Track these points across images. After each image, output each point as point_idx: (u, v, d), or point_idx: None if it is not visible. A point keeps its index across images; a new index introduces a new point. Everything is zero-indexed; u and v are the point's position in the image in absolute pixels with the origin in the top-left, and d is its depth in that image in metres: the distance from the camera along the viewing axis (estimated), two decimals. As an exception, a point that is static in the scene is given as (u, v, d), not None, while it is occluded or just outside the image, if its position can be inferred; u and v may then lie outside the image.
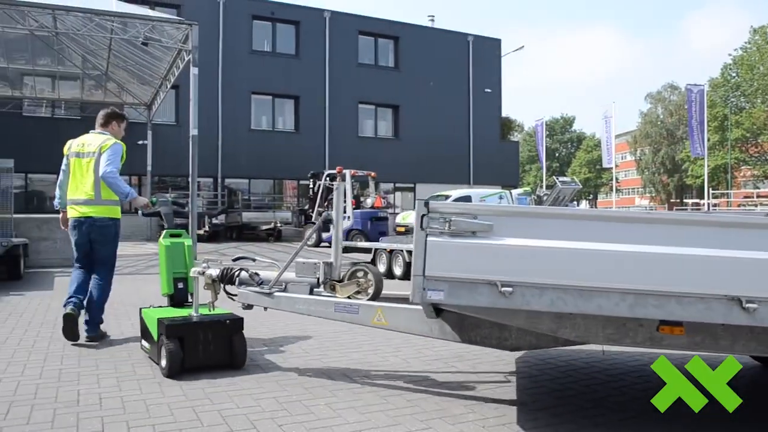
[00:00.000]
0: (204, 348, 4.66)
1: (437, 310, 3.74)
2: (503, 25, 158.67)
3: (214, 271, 4.92)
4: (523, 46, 43.81)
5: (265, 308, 4.79)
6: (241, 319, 4.87)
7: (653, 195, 72.69)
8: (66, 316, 5.43)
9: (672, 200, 67.31)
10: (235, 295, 4.88)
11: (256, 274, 4.79)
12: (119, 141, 5.79)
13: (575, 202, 40.65)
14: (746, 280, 2.90)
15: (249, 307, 4.81)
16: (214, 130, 26.34)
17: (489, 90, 33.56)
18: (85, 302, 5.63)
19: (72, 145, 5.84)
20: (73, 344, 5.53)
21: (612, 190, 49.83)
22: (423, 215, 3.24)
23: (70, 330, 5.46)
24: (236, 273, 4.88)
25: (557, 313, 3.21)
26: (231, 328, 4.77)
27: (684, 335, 3.21)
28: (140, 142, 23.72)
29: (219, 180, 27.08)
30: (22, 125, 23.80)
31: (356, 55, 30.45)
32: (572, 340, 3.57)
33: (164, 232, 5.58)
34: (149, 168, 24.04)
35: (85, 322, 5.62)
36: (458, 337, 4.06)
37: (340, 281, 4.60)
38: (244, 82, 27.46)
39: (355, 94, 30.00)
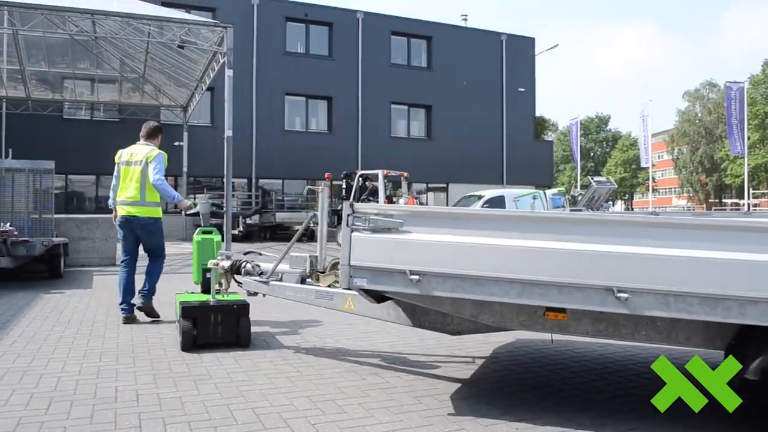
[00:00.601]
0: (214, 328, 5.37)
1: (380, 298, 4.20)
2: (537, 22, 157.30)
3: (226, 263, 5.53)
4: (557, 45, 43.50)
5: (264, 295, 5.31)
6: (248, 304, 5.51)
7: (691, 195, 71.30)
8: (125, 321, 6.50)
9: (710, 200, 65.97)
10: (241, 283, 5.45)
11: (258, 265, 5.40)
12: (162, 151, 6.63)
13: (610, 202, 40.06)
14: (619, 272, 3.25)
15: (254, 294, 5.38)
16: (248, 131, 26.61)
17: (522, 89, 33.27)
18: (133, 300, 6.60)
19: (122, 155, 6.68)
20: (138, 322, 6.48)
21: (648, 189, 49.06)
22: (348, 215, 3.79)
23: (149, 313, 6.60)
24: (243, 264, 5.46)
25: (476, 300, 3.68)
26: (238, 312, 5.46)
27: (567, 320, 3.65)
28: (176, 144, 24.08)
29: (253, 180, 27.35)
30: (63, 127, 24.35)
31: (389, 56, 30.47)
32: (492, 325, 4.08)
33: (198, 229, 6.47)
34: (185, 169, 24.41)
35: (139, 291, 6.58)
36: (410, 321, 4.55)
37: (323, 272, 5.04)
38: (277, 83, 27.68)
39: (387, 95, 30.02)
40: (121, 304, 6.52)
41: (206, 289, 5.96)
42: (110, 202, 6.87)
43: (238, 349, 5.37)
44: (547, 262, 3.39)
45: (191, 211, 6.93)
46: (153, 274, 6.65)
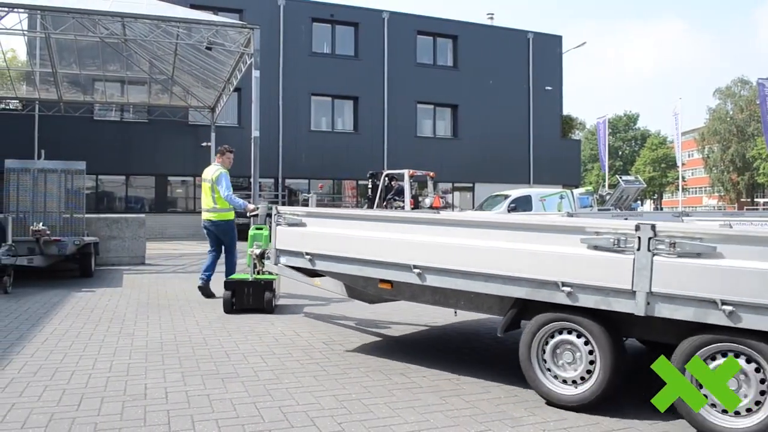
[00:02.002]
0: (247, 297, 7.27)
1: (313, 274, 5.79)
2: (564, 21, 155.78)
3: (257, 251, 7.19)
4: (585, 43, 43.06)
5: (276, 274, 6.64)
6: (272, 282, 7.31)
7: (722, 194, 70.01)
8: (198, 288, 8.41)
9: (742, 199, 64.73)
10: (264, 265, 6.90)
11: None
12: (224, 170, 8.48)
13: (639, 202, 39.50)
14: (414, 253, 4.62)
15: (271, 273, 6.92)
16: (275, 131, 26.74)
17: (549, 88, 32.96)
18: (211, 276, 8.48)
19: (203, 173, 8.71)
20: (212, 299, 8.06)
21: (678, 189, 48.30)
22: (274, 214, 5.76)
23: (205, 294, 8.34)
24: (266, 252, 6.80)
25: (366, 277, 5.10)
26: (265, 287, 7.30)
27: (392, 289, 5.09)
28: (204, 144, 24.32)
29: (280, 180, 27.48)
30: (93, 129, 24.69)
31: (414, 55, 30.38)
32: (371, 294, 5.65)
33: (252, 226, 8.01)
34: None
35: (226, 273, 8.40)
36: (347, 293, 5.87)
37: None
38: (304, 83, 27.77)
39: (413, 94, 29.93)
40: (201, 276, 8.47)
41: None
42: None
43: (265, 346, 5.42)
44: (377, 247, 4.86)
45: (253, 213, 8.53)
46: (230, 266, 8.51)
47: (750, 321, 3.27)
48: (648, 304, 3.59)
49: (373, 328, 6.47)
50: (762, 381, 3.35)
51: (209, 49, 14.95)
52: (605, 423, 3.70)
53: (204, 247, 10.05)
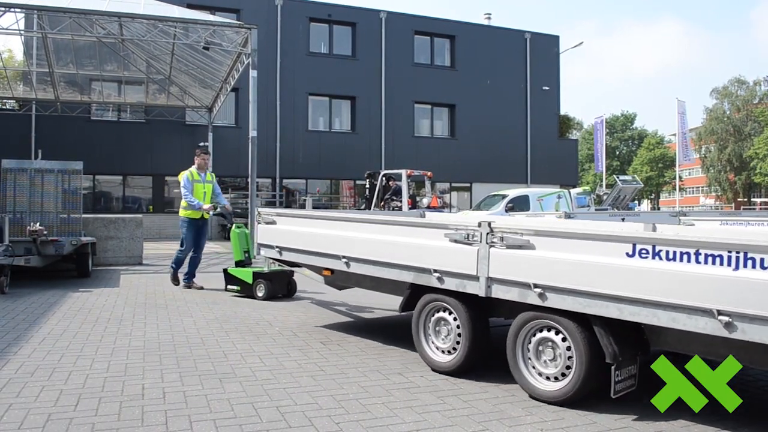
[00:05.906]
0: (275, 285, 8.46)
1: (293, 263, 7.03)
2: (562, 21, 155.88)
3: None
4: (581, 43, 42.93)
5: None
6: (293, 271, 8.53)
7: (719, 194, 70.09)
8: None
9: (739, 199, 64.82)
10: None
11: None
12: (188, 172, 9.48)
13: (636, 201, 39.52)
14: (343, 246, 5.51)
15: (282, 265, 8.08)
16: (272, 131, 26.70)
17: (547, 87, 32.95)
18: (192, 270, 9.57)
19: None
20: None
21: (675, 189, 48.30)
22: (256, 215, 6.99)
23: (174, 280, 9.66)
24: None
25: (315, 265, 6.28)
26: (288, 275, 8.70)
27: (332, 276, 6.18)
28: (201, 144, 24.29)
29: (277, 180, 27.44)
30: (90, 129, 24.64)
31: (412, 55, 30.35)
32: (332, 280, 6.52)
33: (233, 225, 9.06)
34: (210, 169, 24.51)
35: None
36: (324, 281, 6.68)
37: None
38: (301, 83, 27.73)
39: (411, 94, 29.90)
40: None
41: (244, 265, 8.83)
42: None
43: (268, 339, 5.42)
44: (320, 240, 5.81)
45: (215, 212, 9.34)
46: (176, 259, 9.63)
47: (553, 301, 3.92)
48: (488, 287, 4.29)
49: (371, 329, 6.47)
50: (568, 348, 3.94)
51: (206, 49, 14.93)
52: (602, 422, 3.71)
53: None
